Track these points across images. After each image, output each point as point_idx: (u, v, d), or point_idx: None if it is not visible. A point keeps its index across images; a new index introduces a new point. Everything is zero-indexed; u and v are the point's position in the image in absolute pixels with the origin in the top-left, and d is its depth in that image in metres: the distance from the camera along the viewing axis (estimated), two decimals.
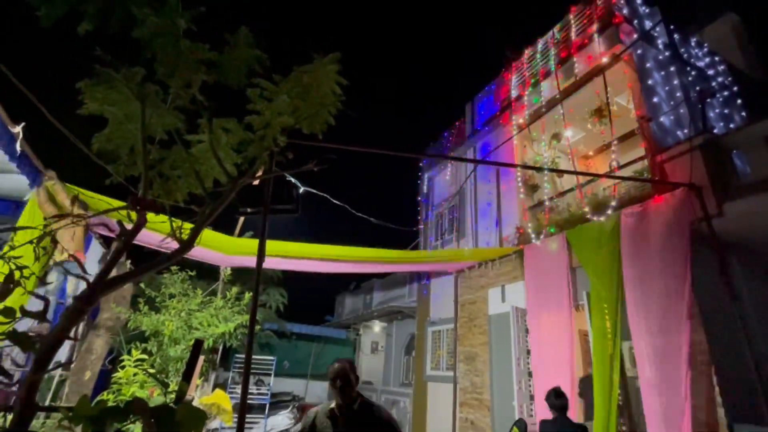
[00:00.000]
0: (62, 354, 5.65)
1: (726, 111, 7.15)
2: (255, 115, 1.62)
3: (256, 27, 1.45)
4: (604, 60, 6.17)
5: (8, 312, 1.30)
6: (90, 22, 1.14)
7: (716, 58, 7.88)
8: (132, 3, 1.15)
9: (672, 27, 7.03)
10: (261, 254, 1.91)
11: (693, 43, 7.69)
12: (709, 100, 6.26)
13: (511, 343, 6.19)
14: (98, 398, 4.94)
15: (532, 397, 5.90)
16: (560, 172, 6.77)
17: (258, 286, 1.96)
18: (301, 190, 2.84)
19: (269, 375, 10.33)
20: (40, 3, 1.05)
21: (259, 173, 1.86)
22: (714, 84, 7.27)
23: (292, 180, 2.52)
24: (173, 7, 1.22)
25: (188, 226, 1.64)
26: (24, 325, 3.68)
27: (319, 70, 1.54)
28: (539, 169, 6.97)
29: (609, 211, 5.43)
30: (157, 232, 4.17)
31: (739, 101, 7.49)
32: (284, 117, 1.55)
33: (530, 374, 6.05)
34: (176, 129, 1.60)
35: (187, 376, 1.92)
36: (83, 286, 1.47)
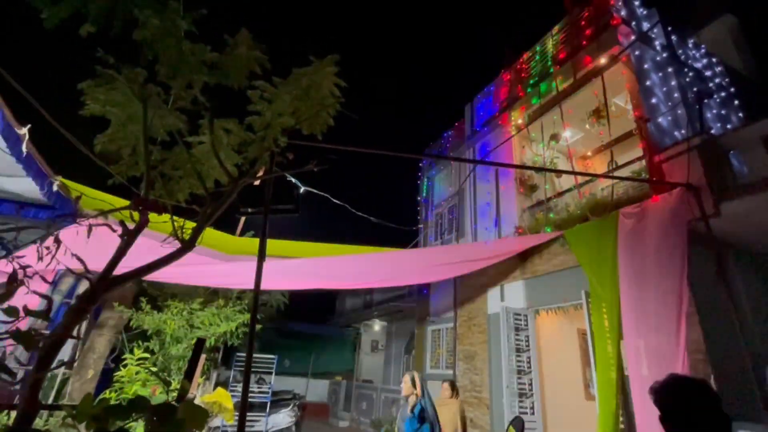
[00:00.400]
0: (65, 353, 5.66)
1: (723, 112, 7.15)
2: (255, 116, 1.62)
3: (256, 27, 1.45)
4: (603, 61, 6.17)
5: (12, 311, 1.31)
6: (92, 24, 1.14)
7: (714, 60, 7.87)
8: (134, 5, 1.15)
9: (670, 28, 7.02)
10: (261, 254, 1.92)
11: (690, 45, 7.69)
12: (706, 101, 6.25)
13: (501, 342, 6.22)
14: (101, 396, 4.94)
15: (521, 395, 5.93)
16: (559, 173, 6.77)
17: (258, 285, 1.97)
18: (302, 189, 2.85)
19: (270, 373, 10.33)
20: (43, 5, 1.05)
21: (260, 173, 1.86)
22: (711, 85, 7.26)
23: (293, 180, 2.52)
24: (174, 10, 1.22)
25: (190, 225, 1.64)
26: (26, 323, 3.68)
27: (318, 72, 1.54)
28: (538, 170, 6.97)
29: (607, 211, 5.43)
30: (159, 232, 4.17)
31: (736, 102, 7.48)
32: (284, 118, 1.55)
33: (519, 372, 6.07)
34: (178, 130, 1.60)
35: (188, 375, 1.92)
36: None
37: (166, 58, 1.29)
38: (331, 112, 1.66)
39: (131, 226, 1.59)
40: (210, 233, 5.05)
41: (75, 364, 5.36)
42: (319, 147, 2.11)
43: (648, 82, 5.99)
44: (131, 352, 5.66)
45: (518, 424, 4.26)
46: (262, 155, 1.67)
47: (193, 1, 1.30)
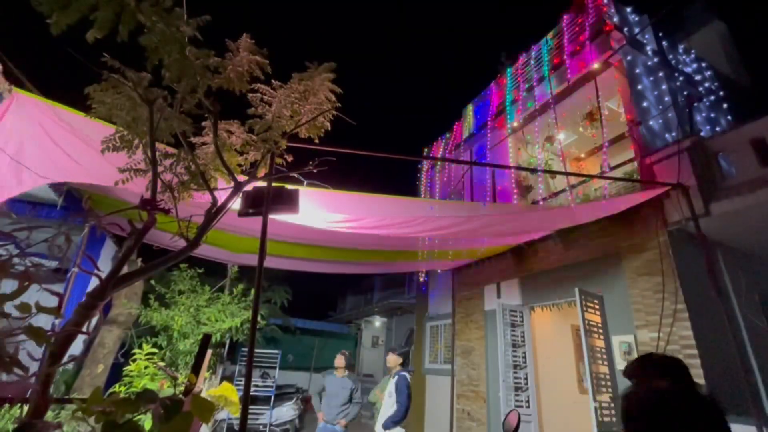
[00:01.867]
0: (76, 348, 5.66)
1: (712, 115, 7.14)
2: (257, 118, 1.62)
3: (257, 32, 1.45)
4: (595, 66, 6.16)
5: (24, 307, 1.31)
6: (99, 30, 1.13)
7: (703, 65, 7.86)
8: (140, 11, 1.15)
9: (660, 34, 7.02)
10: (262, 253, 1.92)
11: (681, 50, 7.68)
12: (696, 104, 6.25)
13: (497, 338, 6.22)
14: (110, 390, 4.95)
15: (516, 389, 5.92)
16: (553, 173, 6.77)
17: (259, 284, 1.97)
18: (305, 183, 2.83)
19: (274, 368, 10.34)
20: (51, 10, 1.04)
21: (261, 174, 1.87)
22: (701, 89, 7.25)
23: (297, 176, 2.51)
24: (179, 16, 1.22)
25: (195, 225, 1.64)
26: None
27: (314, 78, 1.54)
28: (533, 170, 6.96)
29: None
30: (166, 231, 4.17)
31: (724, 106, 7.47)
32: (284, 121, 1.55)
33: (515, 367, 6.06)
34: (182, 131, 1.60)
35: (195, 369, 1.92)
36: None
37: (171, 62, 1.29)
38: (328, 116, 1.66)
39: (139, 225, 1.59)
40: (214, 233, 5.04)
41: (86, 359, 5.36)
42: (318, 149, 2.11)
43: (639, 87, 5.99)
44: (140, 347, 5.66)
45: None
46: (263, 157, 1.67)
47: (197, 7, 1.30)
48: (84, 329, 1.41)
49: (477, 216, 4.88)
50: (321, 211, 4.23)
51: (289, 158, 1.81)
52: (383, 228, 4.85)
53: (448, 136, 10.52)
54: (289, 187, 2.25)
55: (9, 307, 1.25)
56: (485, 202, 7.84)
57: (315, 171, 1.75)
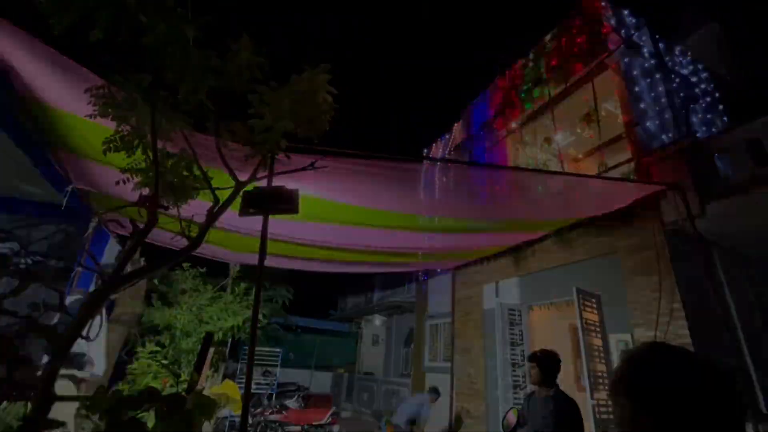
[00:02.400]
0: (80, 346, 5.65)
1: (708, 116, 7.13)
2: (257, 119, 1.62)
3: (256, 32, 1.45)
4: (593, 68, 6.16)
5: (34, 307, 1.31)
6: (101, 30, 1.13)
7: (699, 66, 7.85)
8: (141, 12, 1.14)
9: (657, 36, 7.02)
10: (262, 253, 1.92)
11: (677, 52, 7.67)
12: (692, 105, 6.25)
13: (496, 336, 6.21)
14: (114, 388, 4.95)
15: (515, 387, 5.91)
16: (551, 174, 6.76)
17: (260, 283, 1.96)
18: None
19: (275, 366, 10.34)
20: (52, 11, 1.04)
21: (260, 174, 1.86)
22: (697, 90, 7.25)
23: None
24: (181, 16, 1.21)
25: (196, 225, 1.64)
26: None
27: (312, 80, 1.54)
28: (531, 171, 6.95)
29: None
30: (168, 231, 4.16)
31: (720, 107, 7.46)
32: (285, 122, 1.55)
33: (513, 365, 6.07)
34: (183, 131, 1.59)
35: (198, 367, 1.92)
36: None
37: (173, 63, 1.29)
38: (327, 117, 1.66)
39: (141, 225, 1.59)
40: (216, 232, 5.03)
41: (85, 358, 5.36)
42: (316, 150, 2.11)
43: (637, 88, 5.98)
44: (143, 346, 5.66)
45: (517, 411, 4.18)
46: (265, 157, 1.67)
47: (198, 8, 1.30)
48: (86, 333, 1.40)
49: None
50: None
51: (289, 158, 1.80)
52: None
53: (447, 137, 10.52)
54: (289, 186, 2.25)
55: (13, 305, 1.24)
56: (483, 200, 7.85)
57: (316, 169, 1.75)
